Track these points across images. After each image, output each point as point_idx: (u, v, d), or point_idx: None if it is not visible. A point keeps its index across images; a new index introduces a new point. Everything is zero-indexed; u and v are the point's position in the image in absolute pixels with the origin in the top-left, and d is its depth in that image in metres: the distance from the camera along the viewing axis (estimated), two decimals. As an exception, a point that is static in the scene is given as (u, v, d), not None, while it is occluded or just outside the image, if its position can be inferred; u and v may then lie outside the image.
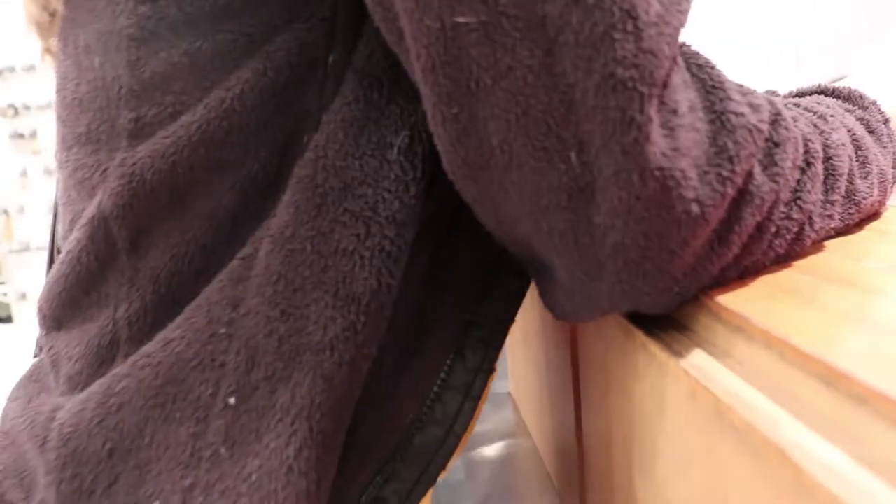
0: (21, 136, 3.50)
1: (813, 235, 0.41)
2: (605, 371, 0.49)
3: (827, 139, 0.42)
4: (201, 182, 0.43)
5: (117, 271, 0.45)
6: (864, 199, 0.45)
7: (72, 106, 0.47)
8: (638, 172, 0.33)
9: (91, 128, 0.46)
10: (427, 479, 0.47)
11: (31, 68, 3.45)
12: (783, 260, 0.41)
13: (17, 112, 3.47)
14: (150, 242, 0.44)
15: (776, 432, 0.27)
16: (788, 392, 0.29)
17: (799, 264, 0.40)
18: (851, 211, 0.44)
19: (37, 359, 0.52)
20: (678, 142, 0.34)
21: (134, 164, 0.43)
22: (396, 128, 0.42)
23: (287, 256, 0.41)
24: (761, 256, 0.39)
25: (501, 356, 0.50)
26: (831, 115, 0.45)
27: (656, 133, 0.33)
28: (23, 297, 3.56)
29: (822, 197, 0.41)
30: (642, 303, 0.37)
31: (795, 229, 0.40)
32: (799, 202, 0.39)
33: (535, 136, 0.34)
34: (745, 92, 0.38)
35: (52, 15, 0.50)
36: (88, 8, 0.46)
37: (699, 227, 0.34)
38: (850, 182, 0.44)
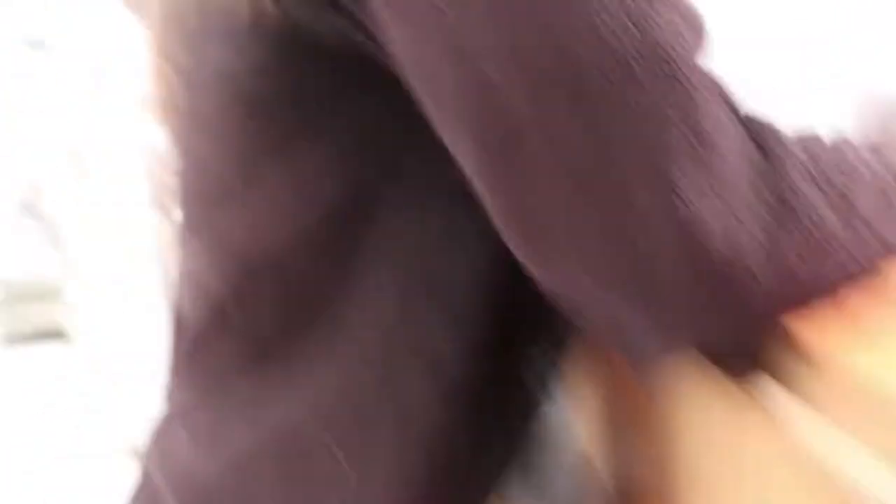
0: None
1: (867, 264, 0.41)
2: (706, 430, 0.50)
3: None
4: (281, 251, 0.49)
5: (225, 323, 0.53)
6: None
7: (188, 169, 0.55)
8: (687, 221, 0.35)
9: (202, 191, 0.53)
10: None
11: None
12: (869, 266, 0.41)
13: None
14: (250, 301, 0.51)
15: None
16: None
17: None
18: None
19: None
20: (713, 173, 0.36)
21: (232, 232, 0.51)
22: (480, 231, 0.44)
23: (387, 340, 0.47)
24: (835, 281, 0.40)
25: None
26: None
27: (689, 170, 0.36)
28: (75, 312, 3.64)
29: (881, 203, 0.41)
30: (719, 337, 0.39)
31: (860, 256, 0.40)
32: (856, 221, 0.39)
33: (600, 185, 0.37)
34: (805, 137, 0.40)
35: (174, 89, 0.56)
36: (194, 116, 0.53)
37: (761, 272, 0.36)
38: None
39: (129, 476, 0.60)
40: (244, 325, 0.52)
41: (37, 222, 3.63)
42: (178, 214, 0.59)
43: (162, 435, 0.58)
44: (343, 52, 0.45)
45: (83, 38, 2.71)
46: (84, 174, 2.99)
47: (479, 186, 0.41)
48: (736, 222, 0.36)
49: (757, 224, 0.36)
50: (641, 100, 0.35)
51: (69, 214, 3.30)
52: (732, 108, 0.39)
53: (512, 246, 0.41)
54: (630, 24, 0.35)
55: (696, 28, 0.39)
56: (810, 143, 0.40)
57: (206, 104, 0.51)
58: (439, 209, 0.47)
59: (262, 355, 0.51)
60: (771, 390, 0.38)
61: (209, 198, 0.53)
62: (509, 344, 0.50)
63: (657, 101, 0.36)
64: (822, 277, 0.38)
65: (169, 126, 0.58)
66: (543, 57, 0.36)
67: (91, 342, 3.40)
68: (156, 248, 3.48)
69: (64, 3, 2.76)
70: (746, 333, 0.39)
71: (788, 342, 0.38)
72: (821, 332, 0.38)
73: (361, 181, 0.47)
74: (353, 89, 0.46)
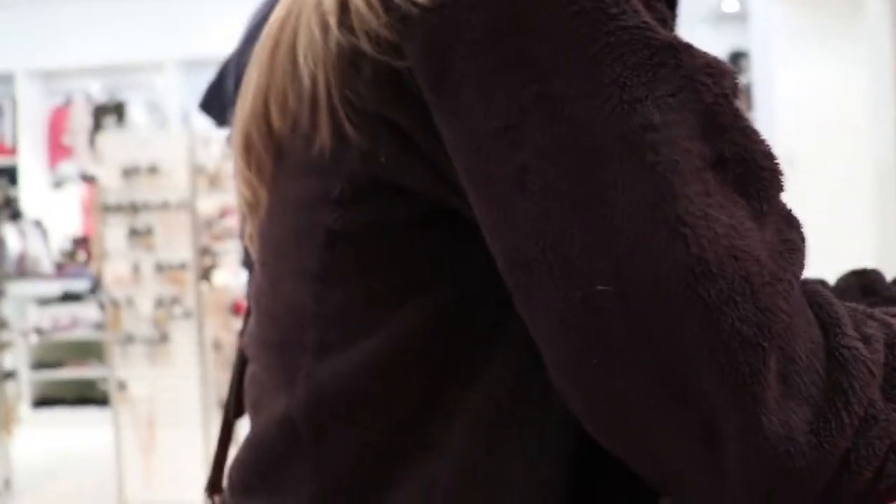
0: (137, 232, 3.65)
1: None
2: None
3: None
4: (373, 399, 0.49)
5: (302, 458, 0.51)
6: None
7: (268, 316, 0.55)
8: (759, 424, 0.36)
9: (284, 340, 0.53)
10: None
11: (152, 170, 3.64)
12: None
13: (136, 210, 3.65)
14: (331, 440, 0.50)
15: None
16: None
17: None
18: None
19: None
20: (790, 388, 0.37)
21: (317, 378, 0.50)
22: None
23: (469, 484, 0.47)
24: None
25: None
26: None
27: (773, 382, 0.36)
28: (122, 386, 3.65)
29: None
30: None
31: None
32: None
33: (670, 386, 0.38)
34: (859, 322, 0.41)
35: (258, 204, 0.57)
36: (279, 243, 0.53)
37: (818, 466, 0.37)
38: None
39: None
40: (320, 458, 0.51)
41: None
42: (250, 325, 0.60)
43: None
44: (428, 197, 0.46)
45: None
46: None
47: (550, 362, 0.41)
48: (797, 416, 0.37)
49: (810, 408, 0.37)
50: (737, 326, 0.36)
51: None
52: (808, 297, 0.40)
53: (595, 424, 0.41)
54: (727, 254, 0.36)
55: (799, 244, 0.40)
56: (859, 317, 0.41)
57: (280, 229, 0.52)
58: (519, 350, 0.46)
59: (336, 490, 0.50)
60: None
61: (282, 321, 0.53)
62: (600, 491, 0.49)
63: (753, 332, 0.36)
64: (875, 458, 0.38)
65: (249, 240, 0.58)
66: (640, 276, 0.37)
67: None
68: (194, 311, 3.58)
69: None
70: None
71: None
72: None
73: (437, 320, 0.47)
74: (434, 229, 0.47)
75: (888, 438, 0.38)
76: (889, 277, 0.66)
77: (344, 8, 0.46)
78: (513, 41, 0.40)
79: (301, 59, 0.48)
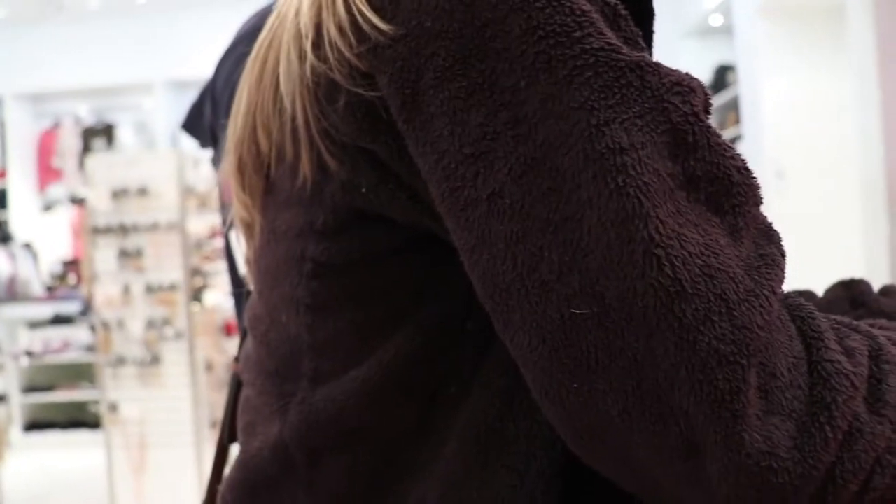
0: (127, 254, 3.64)
1: None
2: None
3: None
4: (365, 425, 0.50)
5: (296, 482, 0.52)
6: None
7: (264, 345, 0.56)
8: (740, 441, 0.36)
9: (280, 369, 0.54)
10: None
11: (142, 191, 3.63)
12: None
13: (126, 231, 3.64)
14: (324, 464, 0.51)
15: None
16: None
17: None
18: None
19: None
20: (772, 404, 0.37)
21: (311, 405, 0.51)
22: None
23: (459, 501, 0.47)
24: (888, 490, 0.39)
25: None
26: None
27: (753, 399, 0.36)
28: (113, 408, 3.63)
29: None
30: None
31: None
32: None
33: (651, 405, 0.38)
34: (842, 336, 0.41)
35: (252, 224, 0.58)
36: (272, 273, 0.54)
37: (802, 481, 0.37)
38: None
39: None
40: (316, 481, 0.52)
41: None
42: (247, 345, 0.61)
43: None
44: (409, 224, 0.47)
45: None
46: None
47: (532, 383, 0.41)
48: (780, 431, 0.37)
49: (794, 423, 0.37)
50: (714, 345, 0.36)
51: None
52: (791, 312, 0.40)
53: (576, 441, 0.42)
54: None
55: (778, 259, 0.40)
56: (841, 329, 0.41)
57: (272, 259, 0.53)
58: (503, 370, 0.47)
59: None
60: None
61: (278, 348, 0.54)
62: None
63: (733, 352, 0.37)
64: (861, 471, 0.38)
65: (247, 265, 0.60)
66: (611, 293, 0.37)
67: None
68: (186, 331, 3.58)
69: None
70: None
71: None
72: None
73: (424, 346, 0.48)
74: (415, 255, 0.48)
75: (873, 451, 0.38)
76: (877, 286, 0.67)
77: (319, 36, 0.46)
78: (481, 68, 0.40)
79: (283, 88, 0.49)
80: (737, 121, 5.06)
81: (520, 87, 0.40)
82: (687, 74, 0.41)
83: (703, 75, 5.53)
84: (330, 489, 0.51)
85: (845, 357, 0.39)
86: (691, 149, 0.39)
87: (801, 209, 4.48)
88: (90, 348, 4.81)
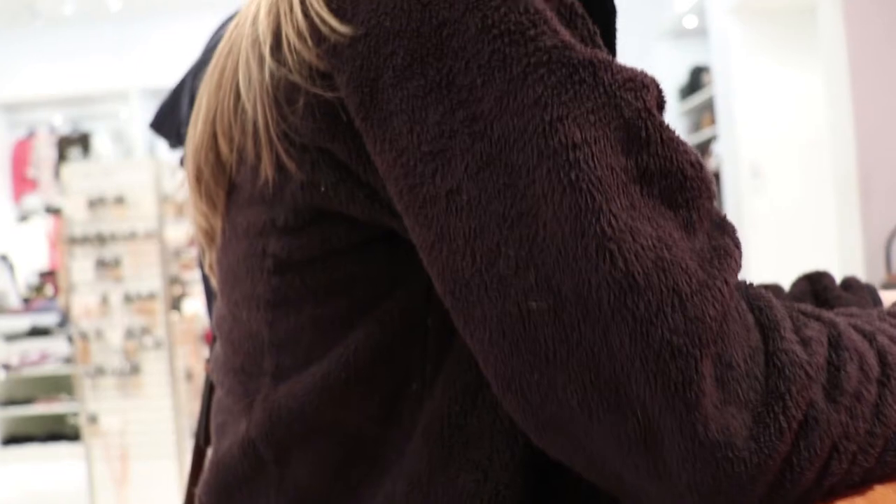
0: (105, 263, 3.61)
1: None
2: None
3: None
4: (328, 421, 0.50)
5: (266, 478, 0.53)
6: None
7: (229, 343, 0.57)
8: (694, 431, 0.37)
9: (244, 366, 0.54)
10: None
11: (119, 200, 3.59)
12: (888, 472, 0.42)
13: (103, 241, 3.61)
14: (291, 460, 0.52)
15: None
16: None
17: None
18: None
19: None
20: (729, 395, 0.37)
21: (274, 401, 0.51)
22: None
23: (425, 497, 0.47)
24: (846, 475, 0.40)
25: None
26: None
27: (709, 389, 0.37)
28: (93, 419, 3.59)
29: None
30: None
31: (881, 444, 0.40)
32: (881, 417, 0.40)
33: (608, 396, 0.38)
34: (800, 325, 0.41)
35: (213, 233, 0.59)
36: (234, 272, 0.55)
37: (758, 471, 0.37)
38: None
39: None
40: (284, 479, 0.53)
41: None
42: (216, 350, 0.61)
43: None
44: (369, 222, 0.48)
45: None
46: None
47: (492, 377, 0.42)
48: (736, 421, 0.37)
49: (750, 413, 0.38)
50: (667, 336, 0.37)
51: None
52: (749, 302, 0.41)
53: (537, 433, 0.42)
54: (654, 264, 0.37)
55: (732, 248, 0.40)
56: (799, 319, 0.42)
57: (234, 257, 0.54)
58: (465, 365, 0.48)
59: None
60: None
61: (241, 346, 0.55)
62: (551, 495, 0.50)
63: (686, 342, 0.37)
64: (817, 458, 0.39)
65: (210, 269, 0.61)
66: (566, 283, 0.38)
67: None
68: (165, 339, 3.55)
69: None
70: None
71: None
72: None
73: (384, 342, 0.49)
74: (376, 252, 0.49)
75: (829, 439, 0.39)
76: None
77: (278, 41, 0.47)
78: (438, 66, 0.41)
79: (243, 93, 0.50)
80: (712, 121, 5.10)
81: (476, 85, 0.40)
82: (641, 71, 0.42)
83: (679, 76, 5.57)
84: (298, 485, 0.52)
85: (801, 346, 0.40)
86: (644, 144, 0.40)
87: (776, 206, 4.52)
88: (69, 360, 4.76)
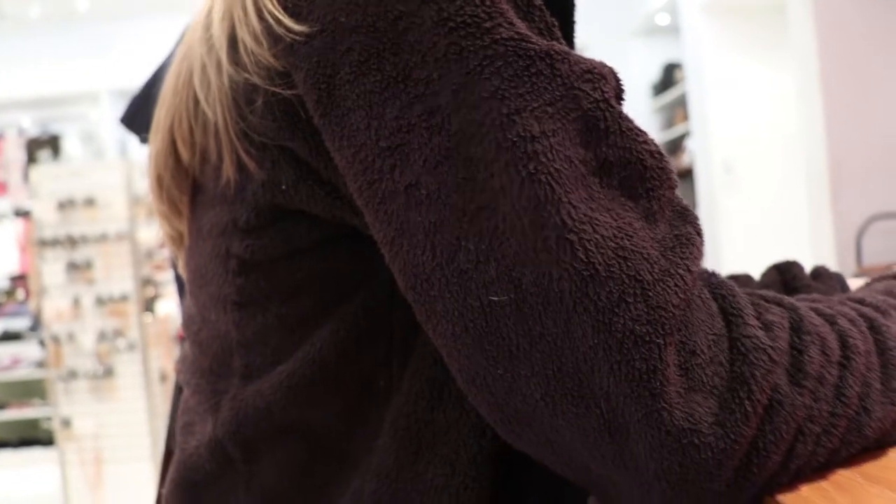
0: (76, 266, 3.58)
1: (875, 425, 0.42)
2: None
3: (884, 333, 0.44)
4: (295, 419, 0.50)
5: (235, 477, 0.53)
6: None
7: (196, 343, 0.57)
8: (660, 419, 0.37)
9: (213, 367, 0.54)
10: None
11: (89, 202, 3.57)
12: (852, 452, 0.42)
13: (74, 243, 3.58)
14: (259, 458, 0.52)
15: None
16: None
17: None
18: None
19: None
20: (693, 382, 0.37)
21: (242, 400, 0.51)
22: None
23: (393, 493, 0.48)
24: (812, 457, 0.40)
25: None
26: None
27: (674, 377, 0.37)
28: (66, 423, 3.57)
29: (879, 387, 0.42)
30: None
31: (844, 424, 0.41)
32: (843, 398, 0.40)
33: (572, 387, 0.38)
34: (762, 311, 0.41)
35: (180, 237, 0.60)
36: (201, 272, 0.55)
37: (725, 456, 0.37)
38: None
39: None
40: (252, 476, 0.53)
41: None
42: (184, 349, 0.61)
43: None
44: (330, 220, 0.48)
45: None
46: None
47: (457, 372, 0.42)
48: (702, 408, 0.38)
49: (715, 399, 0.38)
50: (631, 327, 0.37)
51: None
52: (712, 290, 0.41)
53: (503, 426, 0.42)
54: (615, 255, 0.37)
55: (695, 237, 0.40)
56: (762, 306, 0.42)
57: (200, 258, 0.54)
58: (431, 360, 0.48)
59: None
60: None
61: (210, 346, 0.55)
62: (519, 488, 0.50)
63: (649, 332, 0.37)
64: (783, 441, 0.39)
65: (182, 270, 0.61)
66: (526, 274, 0.38)
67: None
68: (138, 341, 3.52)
69: None
70: (728, 502, 0.39)
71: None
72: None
73: (349, 339, 0.49)
74: (338, 250, 0.49)
75: (794, 422, 0.39)
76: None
77: (233, 44, 0.47)
78: (394, 61, 0.41)
79: (202, 97, 0.50)
80: (685, 117, 5.13)
81: (433, 79, 0.40)
82: (599, 62, 0.42)
83: (652, 73, 5.60)
84: (267, 482, 0.52)
85: (763, 331, 0.40)
86: (603, 135, 0.40)
87: (749, 201, 4.56)
88: (41, 364, 4.69)
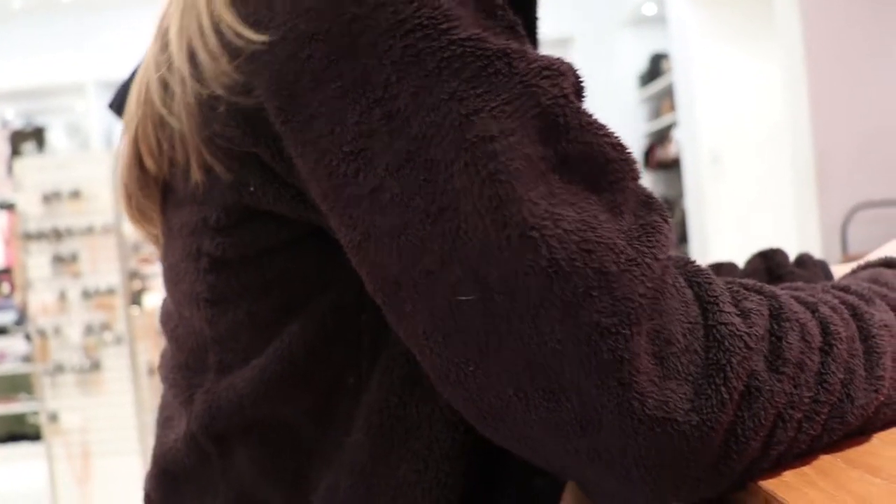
0: (62, 259, 3.56)
1: (858, 412, 0.42)
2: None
3: (867, 321, 0.44)
4: (266, 412, 0.51)
5: (211, 471, 0.54)
6: None
7: (174, 339, 0.58)
8: (631, 408, 0.37)
9: (189, 362, 0.55)
10: None
11: (75, 194, 3.54)
12: (835, 438, 0.42)
13: (59, 236, 3.55)
14: (233, 451, 0.52)
15: None
16: None
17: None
18: None
19: None
20: (668, 370, 0.38)
21: (214, 394, 0.52)
22: None
23: (367, 489, 0.48)
24: (793, 443, 0.41)
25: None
26: (883, 295, 0.48)
27: (646, 366, 0.37)
28: (53, 417, 3.55)
29: (863, 373, 0.42)
30: (678, 499, 0.40)
31: (826, 411, 0.41)
32: (825, 385, 0.41)
33: (543, 382, 0.38)
34: (739, 298, 0.41)
35: (156, 237, 0.60)
36: (175, 270, 0.55)
37: (701, 443, 0.38)
38: None
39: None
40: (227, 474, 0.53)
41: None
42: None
43: None
44: (299, 220, 0.48)
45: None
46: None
47: (430, 370, 0.42)
48: (676, 396, 0.38)
49: (691, 387, 0.38)
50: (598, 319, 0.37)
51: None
52: (688, 278, 0.41)
53: (477, 421, 0.42)
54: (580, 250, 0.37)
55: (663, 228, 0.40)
56: (738, 292, 0.42)
57: (174, 256, 0.55)
58: (402, 358, 0.48)
59: (246, 500, 0.53)
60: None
61: (186, 343, 0.56)
62: (493, 479, 0.51)
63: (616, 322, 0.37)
64: (762, 427, 0.39)
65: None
66: (492, 274, 0.39)
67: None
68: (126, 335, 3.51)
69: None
70: (709, 488, 0.40)
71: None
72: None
73: (320, 336, 0.49)
74: (309, 248, 0.49)
75: (773, 408, 0.39)
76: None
77: (193, 60, 0.48)
78: (354, 67, 0.41)
79: (164, 112, 0.50)
80: (672, 108, 5.14)
81: (391, 82, 0.40)
82: (557, 58, 0.42)
83: (639, 64, 5.61)
84: (241, 476, 0.52)
85: (740, 318, 0.40)
86: (563, 131, 0.40)
87: (736, 191, 4.58)
88: (27, 358, 4.67)
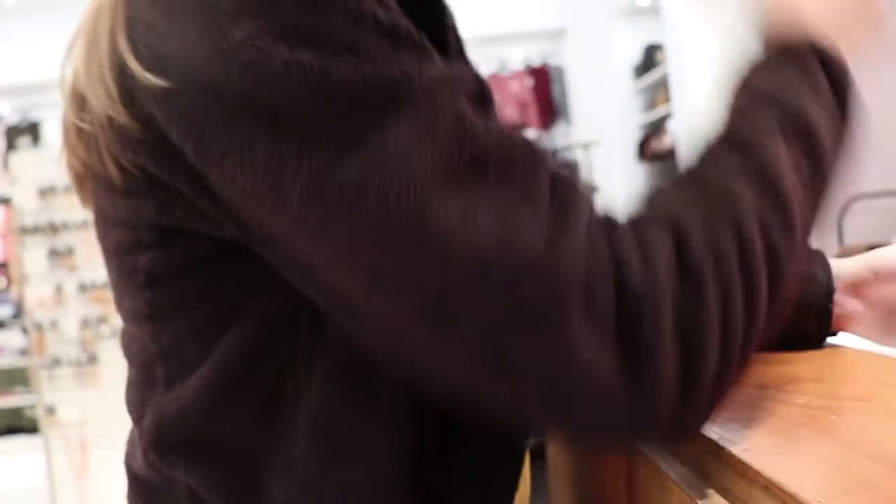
0: (58, 253, 3.56)
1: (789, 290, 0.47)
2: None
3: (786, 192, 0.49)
4: (208, 424, 0.51)
5: (164, 487, 0.54)
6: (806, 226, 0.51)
7: (129, 356, 0.58)
8: (589, 375, 0.40)
9: (140, 378, 0.56)
10: None
11: (70, 188, 3.55)
12: (780, 312, 0.46)
13: (55, 230, 3.56)
14: (183, 465, 0.53)
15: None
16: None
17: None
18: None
19: None
20: (602, 333, 0.40)
21: (161, 406, 0.53)
22: (381, 373, 0.49)
23: (319, 495, 0.50)
24: (737, 320, 0.42)
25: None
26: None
27: (585, 338, 0.40)
28: (50, 411, 3.57)
29: (783, 241, 0.48)
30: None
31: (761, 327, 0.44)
32: (751, 284, 0.43)
33: (499, 366, 0.41)
34: (648, 253, 0.42)
35: None
36: (116, 289, 0.56)
37: (654, 398, 0.40)
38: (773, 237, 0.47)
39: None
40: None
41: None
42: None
43: None
44: (225, 236, 0.48)
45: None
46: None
47: (337, 315, 0.45)
48: (609, 357, 0.40)
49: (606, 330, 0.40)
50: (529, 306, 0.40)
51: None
52: (608, 236, 0.42)
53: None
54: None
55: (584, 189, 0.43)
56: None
57: (114, 274, 0.56)
58: (340, 361, 0.50)
59: None
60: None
61: (136, 358, 0.56)
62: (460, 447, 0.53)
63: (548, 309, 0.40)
64: (710, 352, 0.41)
65: None
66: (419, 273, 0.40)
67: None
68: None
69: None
70: (654, 434, 0.43)
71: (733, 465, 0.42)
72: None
73: (255, 343, 0.50)
74: (238, 258, 0.49)
75: (710, 339, 0.41)
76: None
77: (105, 94, 0.48)
78: (261, 104, 0.41)
79: (83, 150, 0.51)
80: (667, 99, 5.14)
81: (298, 117, 0.41)
82: (456, 67, 0.44)
83: (633, 55, 5.61)
84: (190, 494, 0.53)
85: (651, 271, 0.41)
86: (470, 136, 0.41)
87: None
88: (24, 352, 4.67)
